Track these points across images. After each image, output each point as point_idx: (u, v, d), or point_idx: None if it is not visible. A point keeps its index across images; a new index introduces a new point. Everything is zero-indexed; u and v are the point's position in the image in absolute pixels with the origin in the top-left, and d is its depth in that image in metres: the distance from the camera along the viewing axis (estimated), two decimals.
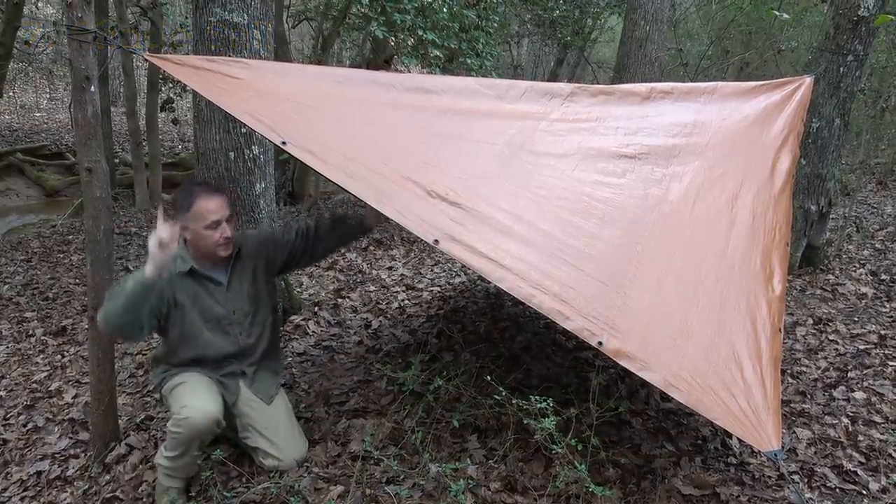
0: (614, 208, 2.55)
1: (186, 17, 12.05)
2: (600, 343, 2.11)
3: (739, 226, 2.58)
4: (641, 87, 3.13)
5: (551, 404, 2.12)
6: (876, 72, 8.79)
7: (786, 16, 5.01)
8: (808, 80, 2.90)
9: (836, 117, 4.48)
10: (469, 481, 2.29)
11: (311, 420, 2.81)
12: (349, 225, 2.72)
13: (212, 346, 2.46)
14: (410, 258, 5.67)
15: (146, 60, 2.44)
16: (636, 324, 2.15)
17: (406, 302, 4.42)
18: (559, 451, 2.12)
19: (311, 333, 3.90)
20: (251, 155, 3.28)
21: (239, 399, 2.49)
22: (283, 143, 2.13)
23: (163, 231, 2.05)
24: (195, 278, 2.43)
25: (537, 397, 2.14)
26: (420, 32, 5.48)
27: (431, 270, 5.22)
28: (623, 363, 2.10)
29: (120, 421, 2.78)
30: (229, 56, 3.17)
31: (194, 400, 2.27)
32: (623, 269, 2.31)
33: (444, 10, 5.83)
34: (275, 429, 2.48)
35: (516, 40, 13.28)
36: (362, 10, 5.76)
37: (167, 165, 10.10)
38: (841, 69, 4.38)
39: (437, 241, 2.19)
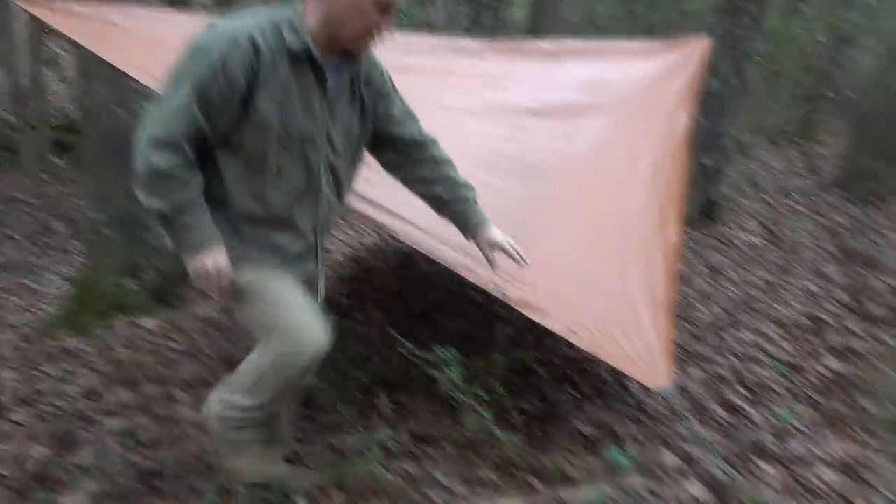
0: (521, 163, 2.58)
1: None
2: (504, 294, 2.15)
3: (640, 180, 2.66)
4: (549, 44, 3.15)
5: (455, 354, 2.14)
6: (771, 37, 9.24)
7: None
8: (705, 42, 3.00)
9: (732, 77, 4.68)
10: (380, 435, 2.30)
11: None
12: (455, 211, 1.99)
13: (286, 191, 1.69)
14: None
15: (24, 10, 2.22)
16: (541, 275, 2.20)
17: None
18: (464, 400, 2.15)
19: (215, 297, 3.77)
20: (142, 110, 3.09)
21: None
22: None
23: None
24: (300, 68, 1.60)
25: (441, 349, 2.15)
26: None
27: (343, 232, 5.15)
28: (526, 312, 2.15)
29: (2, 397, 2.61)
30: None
31: (310, 319, 1.74)
32: (529, 223, 2.35)
33: None
34: None
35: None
36: None
37: (59, 129, 9.38)
38: (738, 31, 4.57)
39: None
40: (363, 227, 5.14)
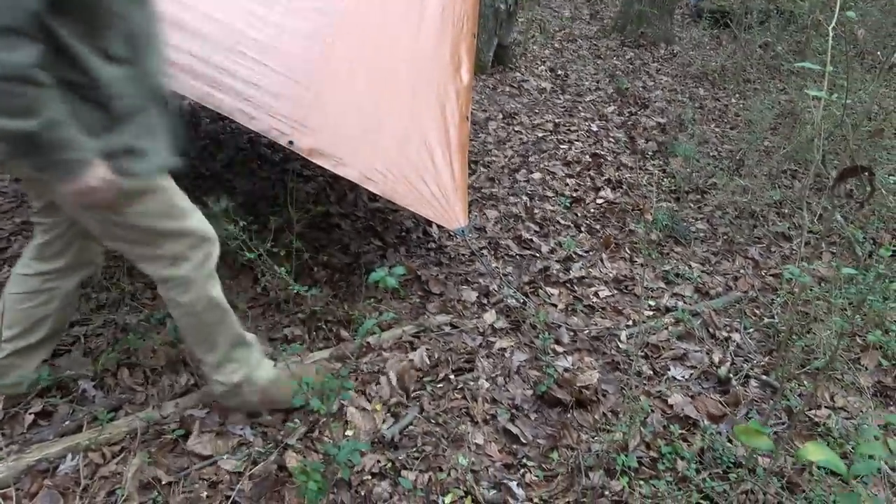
0: None
1: None
2: (291, 143, 1.99)
3: (429, 17, 2.53)
4: None
5: (227, 205, 1.98)
6: None
7: None
8: None
9: None
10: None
11: None
12: None
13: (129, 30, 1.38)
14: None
15: None
16: (329, 120, 2.05)
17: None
18: (251, 257, 2.03)
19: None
20: None
21: None
22: None
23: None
24: None
25: (213, 201, 1.97)
26: None
27: None
28: (318, 161, 2.02)
29: None
30: None
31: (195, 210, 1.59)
32: (312, 65, 2.14)
33: None
34: None
35: None
36: None
37: None
38: None
39: None
40: None
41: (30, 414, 1.69)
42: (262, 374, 1.73)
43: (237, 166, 3.23)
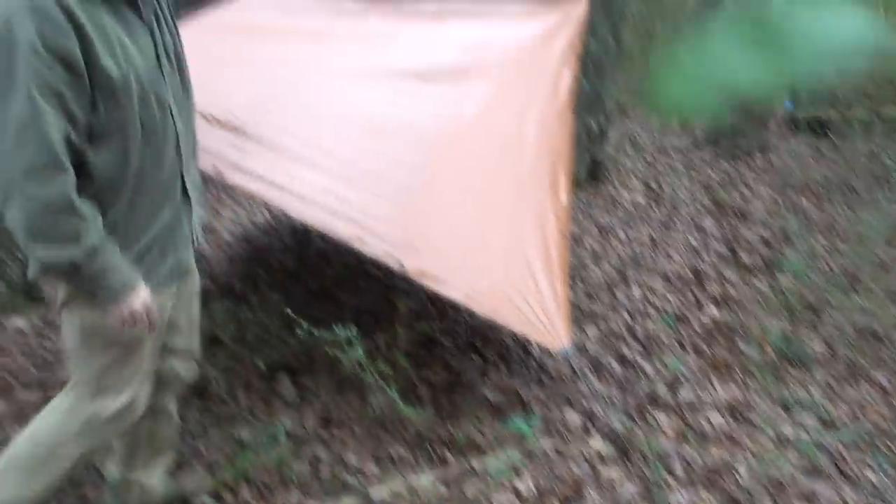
0: (409, 129, 2.50)
1: None
2: (401, 265, 2.10)
3: (527, 142, 2.67)
4: (430, 5, 3.06)
5: (354, 332, 2.07)
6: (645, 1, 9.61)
7: None
8: (583, 1, 3.03)
9: (610, 38, 4.80)
10: (284, 421, 2.21)
11: None
12: None
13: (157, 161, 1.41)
14: (205, 196, 5.25)
15: None
16: (435, 243, 2.16)
17: (203, 245, 4.09)
18: (369, 378, 2.10)
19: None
20: None
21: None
22: None
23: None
24: (115, 7, 1.29)
25: (339, 327, 2.08)
26: None
27: (231, 210, 4.88)
28: (425, 283, 2.11)
29: None
30: None
31: (143, 381, 1.55)
32: (420, 190, 2.29)
33: None
34: (193, 317, 1.78)
35: None
36: None
37: None
38: None
39: (219, 171, 2.00)
40: (252, 203, 4.89)
41: None
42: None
43: (345, 283, 3.40)
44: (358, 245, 2.08)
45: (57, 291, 1.37)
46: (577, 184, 4.85)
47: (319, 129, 2.24)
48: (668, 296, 3.29)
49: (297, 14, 2.84)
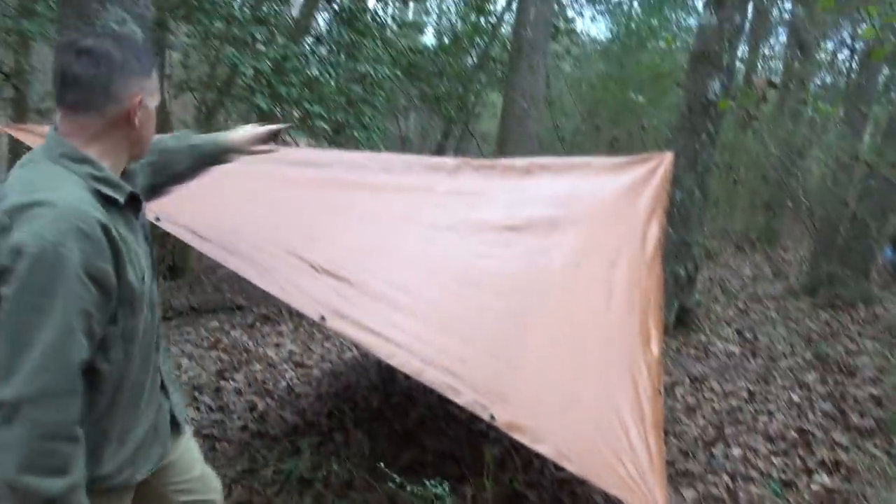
0: (501, 279, 2.60)
1: None
2: (492, 417, 2.09)
3: (617, 292, 2.70)
4: (521, 161, 3.27)
5: (446, 489, 2.05)
6: (727, 147, 9.80)
7: (640, 98, 5.50)
8: (669, 156, 3.15)
9: (695, 189, 4.89)
10: None
11: None
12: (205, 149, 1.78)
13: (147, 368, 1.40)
14: (299, 333, 5.47)
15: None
16: (526, 394, 2.15)
17: (295, 380, 4.22)
18: None
19: (189, 421, 3.61)
20: None
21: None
22: (157, 218, 2.01)
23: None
24: (126, 217, 1.31)
25: (432, 482, 2.06)
26: (306, 105, 5.50)
27: (321, 345, 5.05)
28: (516, 436, 2.08)
29: None
30: None
31: None
32: (511, 340, 2.33)
33: (332, 83, 5.90)
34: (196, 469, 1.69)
35: (404, 114, 13.66)
36: (246, 81, 5.71)
37: None
38: (696, 146, 4.83)
39: (323, 317, 2.12)
40: (342, 340, 5.06)
41: None
42: None
43: (428, 424, 3.39)
44: (449, 393, 2.11)
45: None
46: (665, 331, 4.75)
47: (416, 278, 2.37)
48: (773, 458, 3.07)
49: (399, 173, 3.10)
